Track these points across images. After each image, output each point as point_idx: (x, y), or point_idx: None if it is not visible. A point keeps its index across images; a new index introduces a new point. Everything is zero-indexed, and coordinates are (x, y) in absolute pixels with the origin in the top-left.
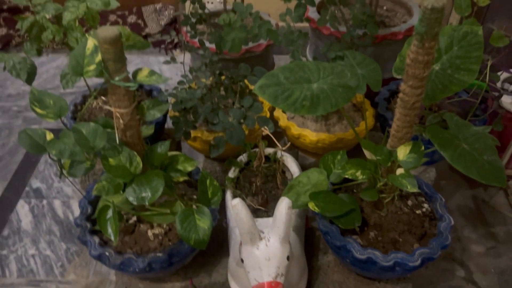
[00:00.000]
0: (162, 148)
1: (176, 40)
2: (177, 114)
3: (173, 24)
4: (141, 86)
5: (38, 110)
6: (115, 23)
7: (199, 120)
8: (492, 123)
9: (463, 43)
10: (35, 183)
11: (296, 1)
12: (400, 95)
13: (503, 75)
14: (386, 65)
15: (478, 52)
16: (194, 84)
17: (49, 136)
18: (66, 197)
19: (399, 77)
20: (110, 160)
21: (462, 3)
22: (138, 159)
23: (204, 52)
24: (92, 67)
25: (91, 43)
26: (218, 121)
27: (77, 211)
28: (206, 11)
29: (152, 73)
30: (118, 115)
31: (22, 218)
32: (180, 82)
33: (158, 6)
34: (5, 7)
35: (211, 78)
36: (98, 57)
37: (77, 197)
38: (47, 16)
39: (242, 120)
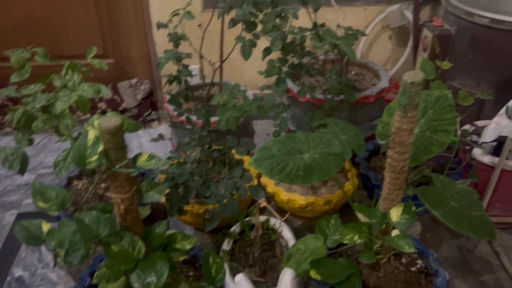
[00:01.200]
0: (160, 228)
1: (155, 116)
2: (168, 191)
3: (149, 97)
4: None
5: (41, 204)
6: (91, 100)
7: (191, 195)
8: (467, 175)
9: (436, 106)
10: (17, 271)
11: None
12: (388, 160)
13: (471, 128)
14: (361, 126)
15: (451, 114)
16: (182, 158)
17: (45, 226)
18: (52, 284)
19: (382, 142)
20: (113, 246)
21: (427, 68)
22: (141, 243)
23: (192, 128)
24: (95, 157)
25: (92, 134)
26: (210, 194)
27: None
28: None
29: (151, 157)
30: (119, 200)
31: None
32: (169, 158)
33: (134, 81)
34: None
35: (198, 150)
36: (100, 147)
37: (63, 283)
38: (37, 106)
39: (234, 191)
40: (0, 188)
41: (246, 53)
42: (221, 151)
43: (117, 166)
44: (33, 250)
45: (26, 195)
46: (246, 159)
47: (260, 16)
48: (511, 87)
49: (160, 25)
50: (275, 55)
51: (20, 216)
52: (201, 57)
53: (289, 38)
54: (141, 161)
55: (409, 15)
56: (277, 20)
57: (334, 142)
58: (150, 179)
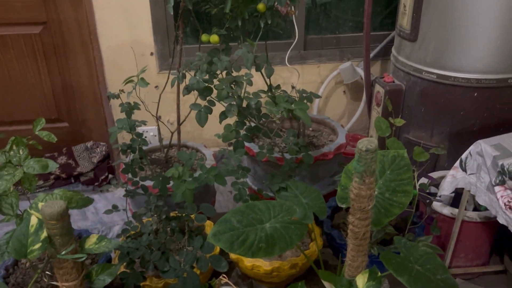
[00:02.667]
0: None
1: (112, 180)
2: (123, 268)
3: (106, 160)
4: None
5: None
6: None
7: (148, 271)
8: (430, 228)
9: (393, 166)
10: None
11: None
12: (350, 227)
13: (428, 181)
14: (322, 182)
15: (408, 173)
16: (138, 229)
17: None
18: None
19: (343, 206)
20: None
21: (382, 125)
22: None
23: (148, 198)
24: (37, 245)
25: (35, 219)
26: (169, 268)
27: None
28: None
29: (100, 239)
30: None
31: None
32: (124, 231)
33: (89, 144)
34: None
35: (155, 216)
36: (44, 234)
37: None
38: None
39: (194, 263)
40: None
41: (202, 121)
42: (180, 219)
43: (63, 253)
44: None
45: None
46: (208, 223)
47: (215, 81)
48: (462, 137)
49: (111, 96)
50: (233, 118)
51: None
52: (158, 119)
53: (245, 102)
54: (90, 244)
55: (360, 71)
56: (232, 86)
57: (295, 209)
58: (104, 258)
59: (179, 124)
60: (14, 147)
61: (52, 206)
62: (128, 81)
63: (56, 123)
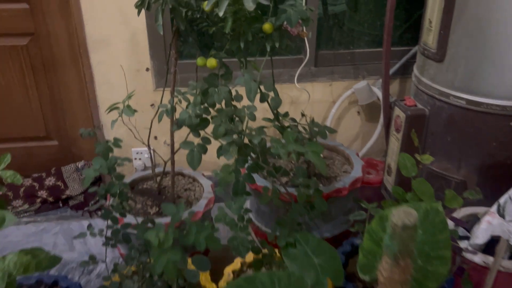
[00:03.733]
0: None
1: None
2: None
3: (98, 182)
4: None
5: None
6: (30, 188)
7: None
8: (460, 281)
9: (426, 224)
10: None
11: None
12: None
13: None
14: (335, 221)
15: (445, 233)
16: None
17: None
18: None
19: (366, 277)
20: None
21: (407, 163)
22: None
23: (130, 251)
24: None
25: None
26: None
27: None
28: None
29: None
30: None
31: None
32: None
33: (80, 164)
34: None
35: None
36: None
37: None
38: None
39: None
40: None
41: (195, 162)
42: (167, 277)
43: None
44: None
45: None
46: (204, 275)
47: (213, 112)
48: (494, 171)
49: (85, 134)
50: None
51: None
52: (149, 144)
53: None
54: None
55: (378, 91)
56: (232, 119)
57: (307, 281)
58: None
59: (173, 153)
60: None
61: None
62: (113, 108)
63: (44, 141)
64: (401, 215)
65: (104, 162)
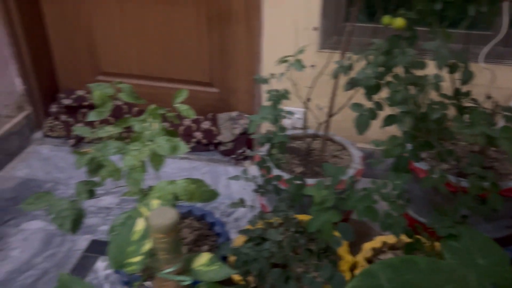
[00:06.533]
0: None
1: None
2: (238, 277)
3: (246, 134)
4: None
5: None
6: (188, 128)
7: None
8: None
9: None
10: None
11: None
12: None
13: None
14: (498, 222)
15: None
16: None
17: None
18: None
19: None
20: None
21: None
22: None
23: (278, 203)
24: (137, 258)
25: (141, 224)
26: None
27: None
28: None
29: (213, 261)
30: None
31: None
32: (247, 231)
33: (234, 114)
34: (85, 103)
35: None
36: (147, 246)
37: None
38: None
39: None
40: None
41: (362, 126)
42: (310, 236)
43: (166, 271)
44: (96, 286)
45: (104, 220)
46: (342, 247)
47: (388, 78)
48: None
49: (260, 81)
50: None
51: (93, 244)
52: (307, 103)
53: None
54: (199, 264)
55: None
56: (411, 89)
57: (471, 283)
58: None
59: (329, 116)
60: (150, 119)
61: (162, 215)
62: (283, 60)
63: (207, 88)
64: None
65: (271, 110)
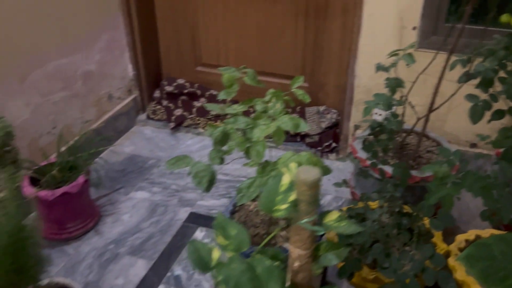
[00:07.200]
0: None
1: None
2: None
3: (333, 128)
4: None
5: (220, 239)
6: None
7: (366, 260)
8: None
9: None
10: (177, 269)
11: None
12: None
13: None
14: None
15: None
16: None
17: (216, 253)
18: None
19: None
20: None
21: None
22: None
23: (384, 185)
24: (284, 206)
25: (286, 179)
26: (389, 266)
27: None
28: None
29: (341, 218)
30: (295, 255)
31: None
32: (349, 209)
33: (322, 108)
34: (185, 91)
35: (386, 206)
36: (292, 196)
37: None
38: (235, 128)
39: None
40: (182, 184)
41: (476, 117)
42: (412, 218)
43: (304, 221)
44: None
45: (201, 196)
46: (437, 234)
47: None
48: None
49: (380, 68)
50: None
51: (192, 215)
52: (406, 100)
53: None
54: (329, 220)
55: None
56: None
57: None
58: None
59: (430, 110)
60: (273, 100)
61: (308, 172)
62: (393, 54)
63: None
64: None
65: (384, 98)
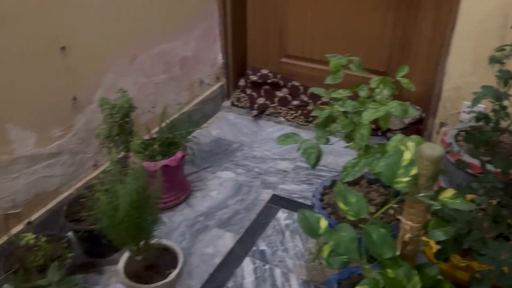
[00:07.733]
0: (432, 271)
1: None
2: None
3: (416, 124)
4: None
5: (342, 205)
6: None
7: (463, 246)
8: None
9: None
10: (262, 245)
11: None
12: None
13: None
14: None
15: None
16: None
17: (323, 223)
18: (287, 269)
19: None
20: (389, 271)
21: None
22: (417, 279)
23: (486, 175)
24: (406, 179)
25: (407, 155)
26: (486, 253)
27: (295, 286)
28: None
29: (456, 196)
30: (408, 228)
31: (246, 275)
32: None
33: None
34: (268, 81)
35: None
36: (414, 171)
37: (296, 273)
38: (340, 110)
39: None
40: (264, 167)
41: None
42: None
43: (422, 194)
44: (278, 231)
45: (282, 180)
46: None
47: None
48: None
49: (495, 61)
50: None
51: (274, 197)
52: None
53: None
54: (445, 196)
55: None
56: None
57: None
58: None
59: None
60: (381, 86)
61: (432, 148)
62: (500, 49)
63: (381, 76)
64: None
65: (493, 91)
